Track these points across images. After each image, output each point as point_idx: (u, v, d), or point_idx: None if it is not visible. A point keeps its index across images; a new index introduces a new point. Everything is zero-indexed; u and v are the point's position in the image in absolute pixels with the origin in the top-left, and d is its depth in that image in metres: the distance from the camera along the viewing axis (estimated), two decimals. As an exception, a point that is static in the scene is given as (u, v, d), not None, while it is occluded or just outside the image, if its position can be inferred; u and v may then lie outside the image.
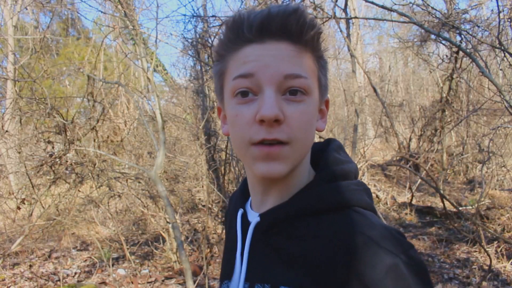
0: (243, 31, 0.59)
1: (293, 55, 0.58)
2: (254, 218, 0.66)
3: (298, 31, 0.58)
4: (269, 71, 0.57)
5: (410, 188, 6.31)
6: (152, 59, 3.68)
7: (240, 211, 0.71)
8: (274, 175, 0.58)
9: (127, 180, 4.39)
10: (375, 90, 3.00)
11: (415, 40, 6.57)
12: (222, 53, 0.63)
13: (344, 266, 0.54)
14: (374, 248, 0.54)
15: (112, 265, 4.28)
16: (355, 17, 3.27)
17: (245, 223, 0.68)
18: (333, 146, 0.70)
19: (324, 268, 0.55)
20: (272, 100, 0.56)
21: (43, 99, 3.95)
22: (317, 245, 0.57)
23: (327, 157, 0.67)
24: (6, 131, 4.12)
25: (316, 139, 3.95)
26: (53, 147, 4.22)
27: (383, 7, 2.73)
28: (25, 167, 4.30)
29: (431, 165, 6.97)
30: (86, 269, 4.40)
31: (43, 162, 4.01)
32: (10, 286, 3.99)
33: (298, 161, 0.61)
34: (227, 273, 0.70)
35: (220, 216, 5.33)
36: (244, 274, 0.64)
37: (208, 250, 4.24)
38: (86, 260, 4.72)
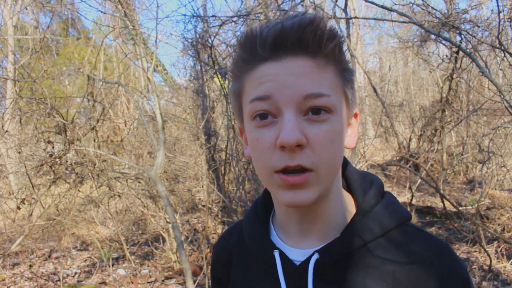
0: (256, 49, 0.54)
1: (313, 71, 0.53)
2: (299, 256, 0.60)
3: (316, 44, 0.53)
4: (287, 91, 0.52)
5: (410, 188, 6.31)
6: (152, 59, 3.68)
7: (277, 253, 0.61)
8: (301, 204, 0.54)
9: (127, 180, 4.39)
10: (375, 90, 3.00)
11: (415, 40, 6.58)
12: (237, 73, 0.59)
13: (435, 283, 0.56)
14: (452, 264, 0.57)
15: (112, 265, 4.28)
16: (355, 17, 3.28)
17: (288, 264, 0.60)
18: (345, 160, 0.66)
19: None
20: (292, 124, 0.51)
21: (43, 99, 3.95)
22: (399, 270, 0.57)
23: (352, 174, 0.65)
24: (6, 131, 4.12)
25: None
26: (53, 147, 4.22)
27: (383, 7, 2.73)
28: (25, 167, 4.30)
29: (431, 165, 6.97)
30: (86, 269, 4.40)
31: (43, 162, 4.01)
32: (10, 286, 3.99)
33: (327, 185, 0.56)
34: None
35: (219, 216, 5.33)
36: None
37: (208, 250, 4.24)
38: (86, 260, 4.72)
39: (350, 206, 0.63)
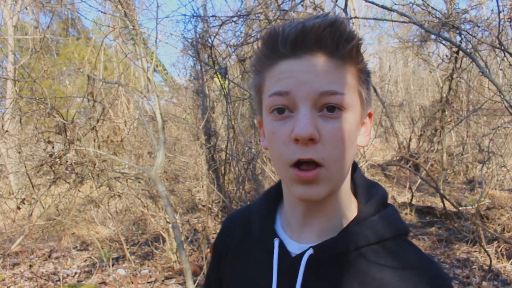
0: (277, 46, 0.57)
1: (330, 70, 0.55)
2: (296, 249, 0.63)
3: (334, 45, 0.55)
4: (304, 88, 0.55)
5: (410, 188, 6.31)
6: (152, 59, 3.68)
7: (277, 241, 0.65)
8: (312, 198, 0.57)
9: (127, 180, 4.39)
10: (375, 90, 2.99)
11: (415, 40, 6.58)
12: (259, 68, 0.61)
13: None
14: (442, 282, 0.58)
15: (112, 265, 4.28)
16: (355, 17, 3.27)
17: (285, 255, 0.63)
18: (355, 166, 0.68)
19: None
20: (307, 118, 0.54)
21: (43, 99, 3.95)
22: (391, 276, 0.58)
23: (359, 180, 0.67)
24: (6, 131, 4.13)
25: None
26: (53, 147, 4.22)
27: (383, 7, 2.72)
28: (25, 167, 4.30)
29: (431, 165, 6.97)
30: (86, 269, 4.40)
31: (43, 162, 4.01)
32: (10, 286, 3.99)
33: (338, 182, 0.59)
34: None
35: (220, 216, 5.33)
36: None
37: (208, 250, 4.24)
38: (86, 260, 4.72)
39: (353, 210, 0.65)
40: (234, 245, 0.74)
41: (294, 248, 0.63)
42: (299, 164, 0.55)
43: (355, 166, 0.68)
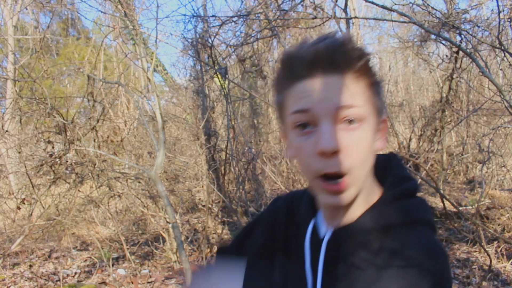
0: (294, 68, 0.63)
1: (345, 86, 0.61)
2: (324, 232, 0.71)
3: (346, 63, 0.61)
4: (323, 105, 0.60)
5: (410, 188, 6.29)
6: (152, 59, 3.68)
7: (312, 224, 0.74)
8: (340, 205, 0.64)
9: (127, 180, 4.40)
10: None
11: (415, 40, 6.57)
12: (279, 88, 0.68)
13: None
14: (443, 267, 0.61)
15: (112, 265, 4.28)
16: (355, 17, 3.27)
17: (316, 235, 0.72)
18: (395, 162, 0.74)
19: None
20: (329, 133, 0.60)
21: (43, 99, 3.95)
22: (390, 258, 0.62)
23: (393, 175, 0.71)
24: (6, 131, 4.13)
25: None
26: (53, 147, 4.22)
27: (383, 7, 2.72)
28: (25, 167, 4.30)
29: (431, 165, 6.97)
30: (86, 269, 4.40)
31: (43, 162, 4.01)
32: (10, 286, 3.99)
33: (361, 185, 0.64)
34: (300, 285, 0.72)
35: (219, 216, 5.33)
36: (320, 284, 0.68)
37: (208, 250, 4.24)
38: (86, 260, 4.72)
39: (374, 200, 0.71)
40: (283, 222, 0.82)
41: (323, 231, 0.72)
42: (326, 178, 0.61)
43: (395, 160, 0.74)
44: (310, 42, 0.63)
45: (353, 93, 0.61)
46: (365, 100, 0.63)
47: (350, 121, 0.61)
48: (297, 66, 0.63)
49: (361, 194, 0.67)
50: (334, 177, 0.61)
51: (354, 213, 0.68)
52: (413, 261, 0.60)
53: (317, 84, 0.61)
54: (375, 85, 0.66)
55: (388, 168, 0.73)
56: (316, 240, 0.71)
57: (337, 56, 0.61)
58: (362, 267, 0.63)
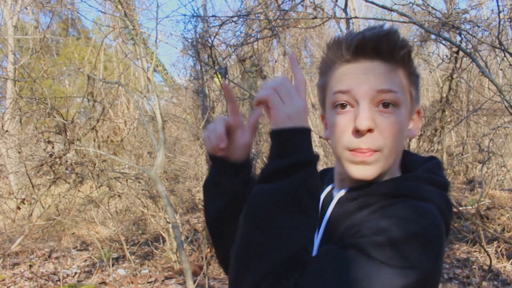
0: (341, 52, 0.69)
1: (385, 72, 0.66)
2: (336, 193, 0.76)
3: (389, 51, 0.66)
4: (364, 87, 0.66)
5: (410, 188, 6.29)
6: (152, 59, 3.68)
7: (331, 186, 0.80)
8: (365, 178, 0.68)
9: (127, 180, 4.39)
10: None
11: (415, 40, 6.57)
12: (324, 70, 0.73)
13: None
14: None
15: (112, 265, 4.28)
16: (355, 17, 3.27)
17: (329, 195, 0.79)
18: (431, 162, 0.76)
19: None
20: (366, 113, 0.64)
21: (43, 99, 3.95)
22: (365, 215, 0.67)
23: (420, 169, 0.74)
24: (6, 131, 4.13)
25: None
26: (53, 147, 4.22)
27: (383, 7, 2.72)
28: (25, 167, 4.30)
29: (431, 165, 6.96)
30: (86, 269, 4.40)
31: (43, 162, 4.01)
32: (10, 286, 3.99)
33: (388, 165, 0.69)
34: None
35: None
36: (320, 236, 0.73)
37: (208, 250, 4.24)
38: (86, 260, 4.72)
39: None
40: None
41: (335, 193, 0.77)
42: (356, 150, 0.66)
43: (435, 161, 0.76)
44: (359, 30, 0.69)
45: (392, 79, 0.66)
46: (402, 87, 0.68)
47: (386, 105, 0.66)
48: (344, 50, 0.68)
49: (386, 175, 0.71)
50: (364, 152, 0.66)
51: None
52: (403, 212, 0.63)
53: (360, 68, 0.67)
54: (413, 76, 0.71)
55: (419, 165, 0.75)
56: (329, 198, 0.77)
57: (382, 44, 0.66)
58: (354, 216, 0.68)
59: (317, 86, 0.77)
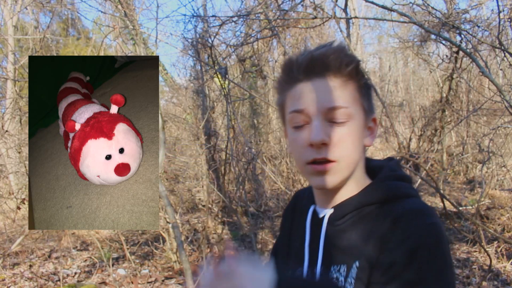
0: (293, 72, 0.73)
1: (335, 89, 0.71)
2: (322, 213, 0.79)
3: (337, 68, 0.71)
4: (316, 105, 0.71)
5: (410, 188, 6.28)
6: (152, 59, 3.67)
7: (312, 207, 0.83)
8: (326, 187, 0.72)
9: (127, 180, 4.38)
10: (375, 90, 2.99)
11: (415, 40, 6.57)
12: (280, 89, 0.79)
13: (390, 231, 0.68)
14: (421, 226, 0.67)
15: (112, 265, 4.28)
16: (355, 17, 3.27)
17: (315, 217, 0.81)
18: (393, 162, 0.83)
19: (383, 238, 0.68)
20: (318, 128, 0.69)
21: (43, 99, 3.93)
22: (378, 224, 0.70)
23: (385, 170, 0.79)
24: (6, 131, 4.13)
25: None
26: (53, 147, 4.21)
27: (383, 7, 2.72)
28: (25, 167, 4.30)
29: (431, 165, 6.96)
30: (86, 269, 4.40)
31: (43, 162, 4.00)
32: (10, 286, 3.99)
33: (348, 173, 0.73)
34: (298, 261, 0.82)
35: (219, 216, 5.32)
36: (320, 259, 0.76)
37: (208, 250, 4.24)
38: (86, 260, 4.72)
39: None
40: (298, 212, 0.92)
41: (322, 213, 0.80)
42: (314, 162, 0.70)
43: (392, 162, 0.82)
44: (309, 49, 0.73)
45: (343, 95, 0.71)
46: (353, 101, 0.72)
47: (338, 119, 0.70)
48: (295, 71, 0.73)
49: (351, 182, 0.76)
50: (321, 162, 0.70)
51: (347, 197, 0.77)
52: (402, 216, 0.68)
53: (312, 86, 0.72)
54: (364, 88, 0.75)
55: (383, 167, 0.80)
56: (316, 220, 0.80)
57: (330, 62, 0.70)
58: (355, 234, 0.72)
59: (276, 105, 0.83)
